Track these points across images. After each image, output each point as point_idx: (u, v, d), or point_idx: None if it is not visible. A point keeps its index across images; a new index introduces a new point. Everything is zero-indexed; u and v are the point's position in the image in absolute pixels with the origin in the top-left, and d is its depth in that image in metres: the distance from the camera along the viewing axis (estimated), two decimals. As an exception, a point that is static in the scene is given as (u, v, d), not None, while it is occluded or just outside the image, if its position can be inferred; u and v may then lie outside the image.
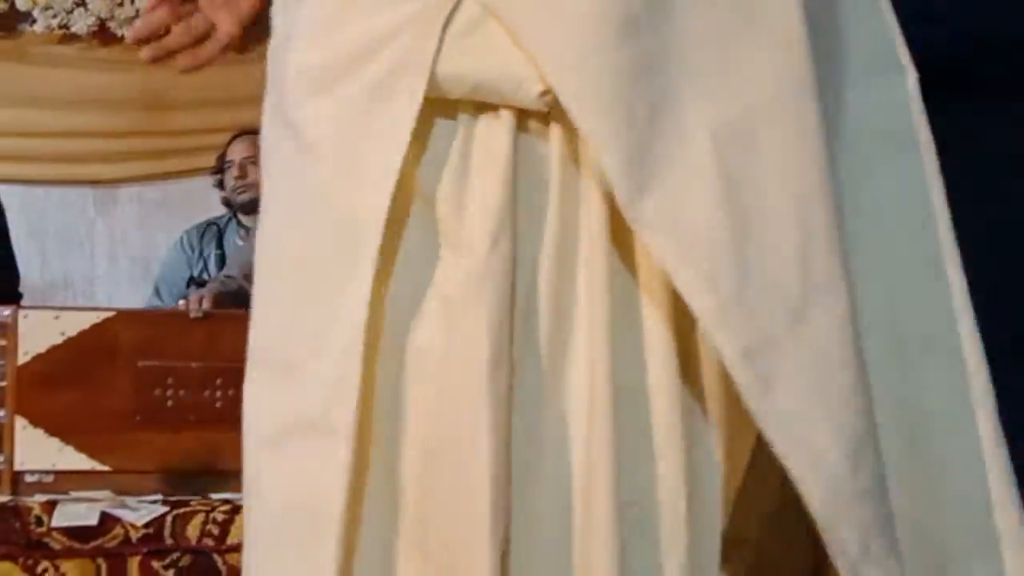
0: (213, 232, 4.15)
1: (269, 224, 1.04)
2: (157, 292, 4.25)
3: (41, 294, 3.62)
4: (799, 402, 0.96)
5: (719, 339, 0.95)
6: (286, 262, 1.01)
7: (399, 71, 0.98)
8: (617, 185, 0.95)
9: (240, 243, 4.00)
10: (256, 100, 4.05)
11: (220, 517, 2.43)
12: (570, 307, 0.99)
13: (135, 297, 4.44)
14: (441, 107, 1.00)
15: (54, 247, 4.65)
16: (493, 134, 0.99)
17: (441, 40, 0.97)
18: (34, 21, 4.82)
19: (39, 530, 2.39)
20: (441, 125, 0.99)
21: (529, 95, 0.98)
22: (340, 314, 0.96)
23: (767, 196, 0.98)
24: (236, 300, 2.93)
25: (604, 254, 0.98)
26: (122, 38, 4.89)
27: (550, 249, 0.99)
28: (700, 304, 0.95)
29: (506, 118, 0.99)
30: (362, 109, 0.99)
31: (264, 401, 0.99)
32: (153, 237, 4.93)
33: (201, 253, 4.13)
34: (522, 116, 1.00)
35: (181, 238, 4.27)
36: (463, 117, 1.00)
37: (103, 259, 5.02)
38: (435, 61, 0.98)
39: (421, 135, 0.99)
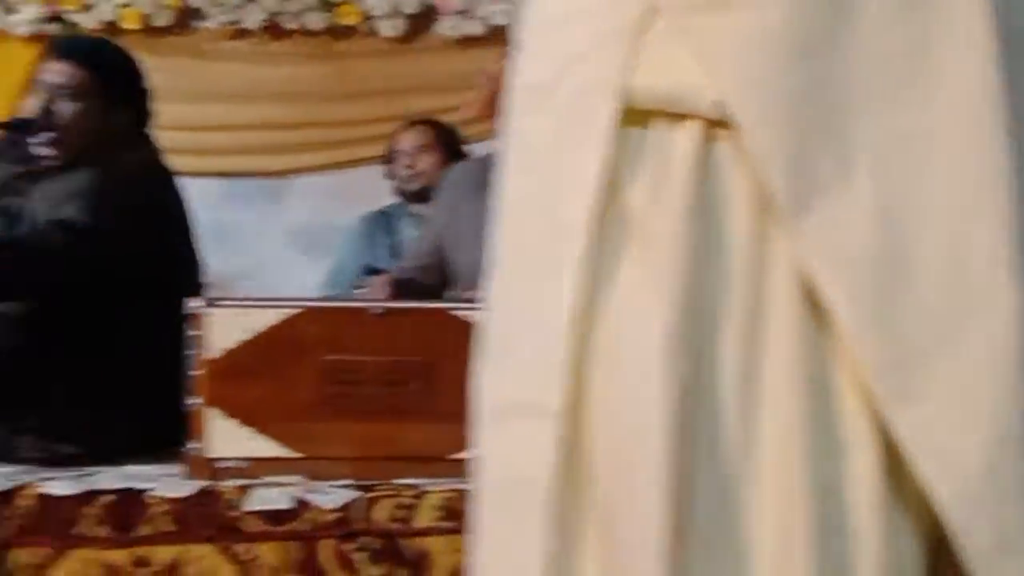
0: (385, 221, 4.24)
1: (501, 222, 1.14)
2: (330, 280, 4.37)
3: (219, 285, 3.74)
4: (939, 412, 1.00)
5: (860, 350, 1.00)
6: (508, 259, 1.11)
7: (599, 85, 1.06)
8: (780, 200, 1.02)
9: (412, 232, 4.08)
10: (422, 89, 4.15)
11: (407, 502, 2.51)
12: (760, 297, 1.04)
13: (308, 287, 4.57)
14: (635, 117, 1.07)
15: (230, 238, 4.80)
16: (681, 141, 1.06)
17: (635, 56, 1.05)
18: (206, 17, 4.98)
19: (234, 514, 2.50)
20: (635, 133, 1.06)
21: (705, 104, 1.05)
22: (551, 305, 1.05)
23: (927, 214, 1.03)
24: (413, 291, 3.00)
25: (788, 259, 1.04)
26: (291, 32, 5.03)
27: (738, 262, 1.05)
28: (845, 316, 1.01)
29: (693, 127, 1.06)
30: (566, 121, 1.07)
31: (488, 383, 1.10)
32: (325, 227, 5.06)
33: (375, 242, 4.23)
34: (709, 125, 1.06)
35: (354, 227, 4.38)
36: (655, 125, 1.07)
37: (278, 249, 5.17)
38: (630, 75, 1.05)
39: (618, 143, 1.06)
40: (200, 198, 3.35)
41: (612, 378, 1.05)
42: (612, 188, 1.06)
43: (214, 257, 3.41)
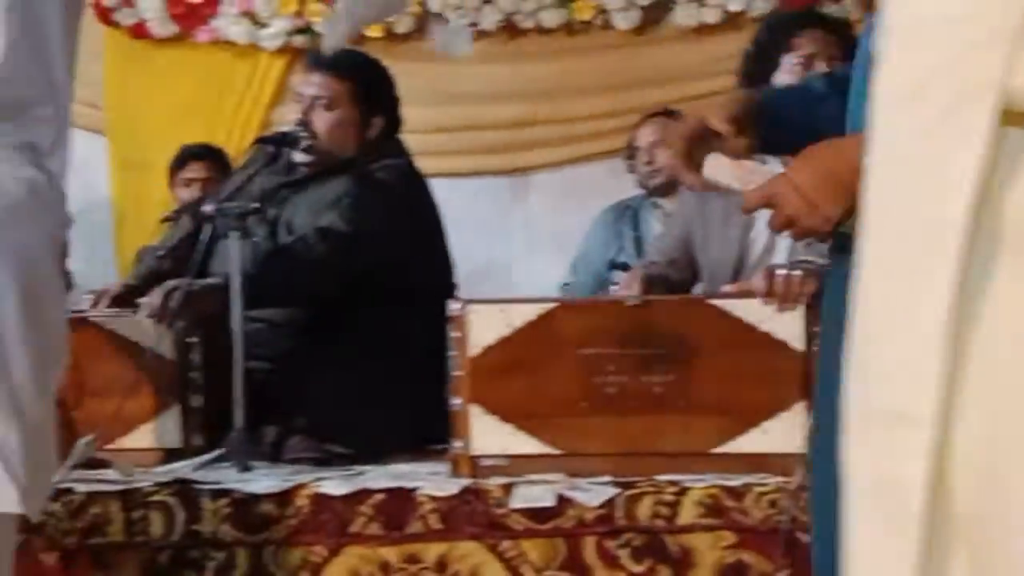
0: (629, 214, 4.23)
1: (866, 226, 1.14)
2: (574, 270, 4.39)
3: (465, 281, 3.81)
4: None
5: None
6: (874, 262, 1.10)
7: (979, 87, 1.04)
8: None
9: (657, 226, 4.06)
10: (658, 80, 4.10)
11: (669, 498, 2.50)
12: None
13: (551, 280, 4.60)
14: (1015, 119, 1.05)
15: (474, 236, 4.87)
16: None
17: (1018, 58, 1.03)
18: (445, 21, 5.07)
19: (499, 511, 2.53)
20: (1012, 135, 1.05)
21: None
22: (921, 310, 1.04)
23: None
24: (664, 286, 2.99)
25: None
26: (527, 30, 5.08)
27: None
28: None
29: None
30: (941, 123, 1.06)
31: (854, 389, 1.09)
32: (566, 221, 5.08)
33: (619, 234, 4.23)
34: None
35: (599, 218, 4.39)
36: None
37: (520, 245, 5.22)
38: (1012, 77, 1.04)
39: (996, 144, 1.05)
40: (445, 198, 3.42)
41: (988, 389, 1.03)
42: (987, 191, 1.05)
43: (459, 255, 3.47)
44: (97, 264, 4.84)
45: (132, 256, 4.89)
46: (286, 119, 4.91)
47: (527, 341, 2.63)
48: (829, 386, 1.46)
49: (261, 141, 3.35)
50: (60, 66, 2.05)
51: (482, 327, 2.63)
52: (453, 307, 2.67)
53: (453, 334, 2.65)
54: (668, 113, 4.36)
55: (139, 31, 5.05)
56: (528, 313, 2.64)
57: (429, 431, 2.97)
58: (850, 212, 1.47)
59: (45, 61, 2.02)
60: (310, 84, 3.23)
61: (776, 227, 1.56)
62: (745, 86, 3.03)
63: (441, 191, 3.47)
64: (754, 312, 2.60)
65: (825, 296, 1.75)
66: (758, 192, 1.53)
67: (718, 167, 1.64)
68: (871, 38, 1.61)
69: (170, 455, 2.83)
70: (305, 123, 3.19)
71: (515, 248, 5.21)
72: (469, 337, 2.63)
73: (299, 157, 3.22)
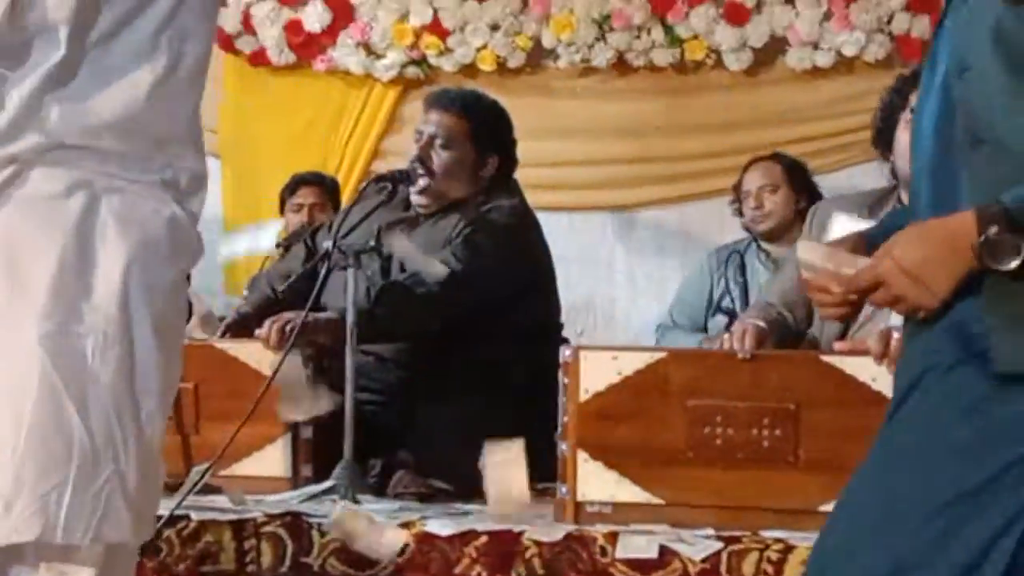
0: (735, 259, 4.21)
1: None
2: (671, 312, 4.38)
3: (566, 315, 3.83)
4: None
5: None
6: None
7: None
8: None
9: (763, 271, 4.05)
10: (767, 121, 4.09)
11: (774, 556, 2.49)
12: None
13: (651, 318, 4.61)
14: None
15: (577, 271, 4.89)
16: None
17: None
18: (558, 57, 5.11)
19: (603, 560, 2.54)
20: None
21: None
22: None
23: None
24: (780, 331, 2.96)
25: None
26: (638, 69, 5.10)
27: None
28: None
29: None
30: None
31: None
32: (669, 259, 5.10)
33: (723, 279, 4.21)
34: None
35: (702, 262, 4.38)
36: None
37: (622, 281, 5.23)
38: None
39: None
40: (550, 232, 3.45)
41: None
42: None
43: (561, 289, 3.50)
44: (204, 279, 4.94)
45: (239, 274, 5.00)
46: (397, 148, 5.00)
47: (636, 389, 2.64)
48: None
49: (379, 179, 3.41)
50: (197, 104, 2.11)
51: (592, 373, 2.65)
52: (565, 353, 2.69)
53: (563, 380, 2.67)
54: (776, 157, 4.35)
55: (258, 59, 5.16)
56: (638, 361, 2.66)
57: (533, 470, 3.00)
58: (954, 290, 1.51)
59: (186, 99, 2.08)
60: (429, 123, 3.28)
61: (880, 304, 1.58)
62: (876, 146, 3.06)
63: (547, 224, 3.51)
64: (866, 370, 2.59)
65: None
66: (867, 272, 1.55)
67: (812, 248, 1.68)
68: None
69: (279, 484, 2.88)
70: (422, 160, 3.24)
71: (617, 285, 5.22)
72: (579, 381, 2.65)
73: (415, 195, 3.27)
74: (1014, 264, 1.45)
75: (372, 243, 3.08)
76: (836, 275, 1.60)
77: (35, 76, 1.91)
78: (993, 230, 1.45)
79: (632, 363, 2.66)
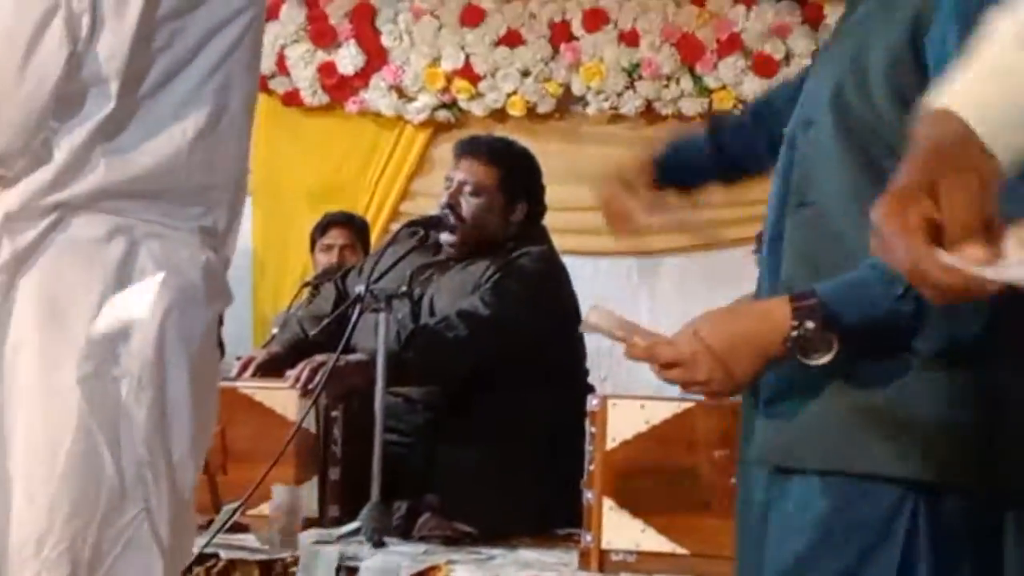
0: (761, 309, 4.23)
1: None
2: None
3: (591, 361, 3.86)
4: None
5: None
6: None
7: None
8: None
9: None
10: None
11: (797, 609, 2.50)
12: None
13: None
14: None
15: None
16: None
17: None
18: (587, 104, 5.16)
19: (626, 610, 2.56)
20: None
21: None
22: None
23: None
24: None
25: None
26: (667, 117, 5.14)
27: None
28: None
29: None
30: None
31: None
32: (693, 306, 5.09)
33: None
34: None
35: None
36: None
37: (645, 327, 5.25)
38: None
39: None
40: (574, 276, 3.49)
41: None
42: None
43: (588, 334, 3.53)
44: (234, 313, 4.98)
45: (267, 308, 5.04)
46: (426, 190, 5.05)
47: (663, 439, 2.67)
48: None
49: (410, 223, 3.45)
50: (239, 153, 2.16)
51: (620, 422, 2.67)
52: (592, 402, 2.71)
53: (590, 428, 2.70)
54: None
55: (291, 99, 5.23)
56: (666, 411, 2.68)
57: (556, 515, 3.02)
58: (757, 377, 1.45)
59: (227, 148, 2.12)
60: (459, 170, 3.33)
61: (672, 380, 1.52)
62: None
63: (573, 269, 3.54)
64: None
65: None
66: (670, 349, 1.48)
67: (601, 314, 1.62)
68: None
69: (306, 524, 2.90)
70: (452, 207, 3.28)
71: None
72: (606, 430, 2.67)
73: (445, 240, 3.31)
74: (825, 359, 1.39)
75: (403, 287, 3.12)
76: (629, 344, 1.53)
77: (85, 128, 1.96)
78: (809, 325, 1.38)
79: (660, 413, 2.68)
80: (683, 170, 1.92)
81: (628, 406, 2.70)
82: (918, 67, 1.41)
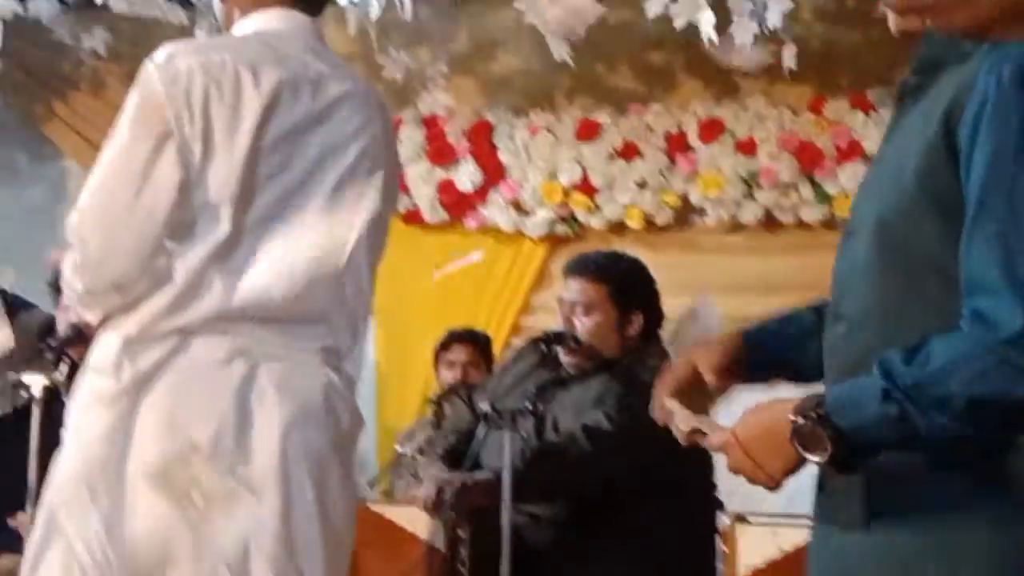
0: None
1: None
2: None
3: (718, 475, 3.80)
4: None
5: None
6: None
7: None
8: None
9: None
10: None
11: None
12: None
13: (804, 476, 4.52)
14: None
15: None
16: None
17: None
18: (705, 214, 5.14)
19: None
20: None
21: None
22: None
23: None
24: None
25: None
26: (787, 225, 5.09)
27: None
28: None
29: None
30: None
31: None
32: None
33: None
34: None
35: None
36: None
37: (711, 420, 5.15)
38: None
39: None
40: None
41: None
42: None
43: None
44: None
45: (392, 424, 5.06)
46: (545, 304, 5.06)
47: (797, 566, 2.59)
48: None
49: (533, 340, 3.45)
50: (365, 276, 2.18)
51: (751, 548, 2.62)
52: (724, 521, 2.66)
53: (722, 547, 2.65)
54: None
55: (412, 217, 5.30)
56: (798, 537, 2.62)
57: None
58: (789, 470, 1.46)
59: (348, 273, 2.14)
60: (568, 290, 3.35)
61: (731, 470, 1.54)
62: None
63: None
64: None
65: None
66: (715, 439, 1.53)
67: (678, 408, 1.68)
68: None
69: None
70: (571, 324, 3.29)
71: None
72: (737, 557, 2.61)
73: (565, 357, 3.30)
74: (821, 457, 1.40)
75: (527, 404, 3.11)
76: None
77: (201, 250, 2.00)
78: (800, 422, 1.40)
79: (792, 539, 2.62)
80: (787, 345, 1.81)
81: (759, 531, 2.64)
82: (954, 166, 1.41)
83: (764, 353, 1.76)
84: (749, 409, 1.51)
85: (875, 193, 1.50)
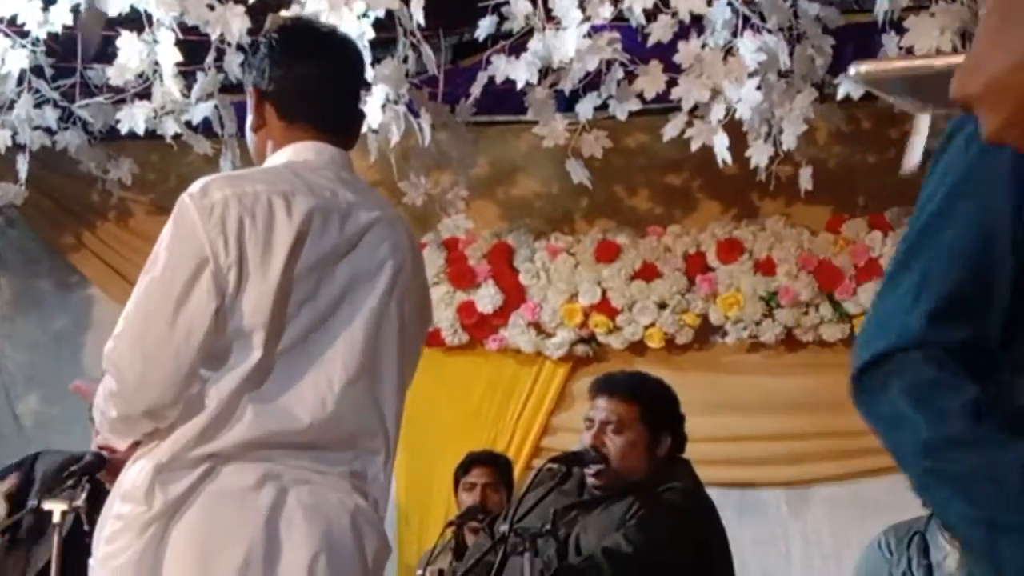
0: (918, 540, 4.08)
1: None
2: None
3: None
4: None
5: None
6: None
7: None
8: None
9: (951, 550, 3.92)
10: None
11: None
12: None
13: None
14: None
15: (751, 549, 4.81)
16: None
17: None
18: (725, 333, 5.15)
19: None
20: None
21: None
22: None
23: None
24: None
25: None
26: (807, 344, 5.11)
27: None
28: None
29: None
30: None
31: None
32: (846, 538, 4.97)
33: (904, 559, 4.08)
34: None
35: (879, 540, 4.24)
36: None
37: (797, 560, 5.11)
38: None
39: None
40: (722, 508, 3.42)
41: None
42: None
43: (738, 569, 3.44)
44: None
45: (412, 556, 5.02)
46: (566, 424, 5.06)
47: None
48: None
49: (552, 461, 3.45)
50: (392, 401, 2.20)
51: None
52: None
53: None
54: None
55: (432, 340, 5.31)
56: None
57: None
58: None
59: (379, 398, 2.16)
60: (597, 409, 3.34)
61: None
62: None
63: (717, 500, 3.48)
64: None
65: None
66: None
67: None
68: None
69: None
70: (596, 447, 3.28)
71: (793, 564, 5.10)
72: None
73: (591, 479, 3.29)
74: None
75: (547, 527, 3.10)
76: None
77: (233, 377, 2.03)
78: None
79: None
80: None
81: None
82: None
83: None
84: None
85: None
